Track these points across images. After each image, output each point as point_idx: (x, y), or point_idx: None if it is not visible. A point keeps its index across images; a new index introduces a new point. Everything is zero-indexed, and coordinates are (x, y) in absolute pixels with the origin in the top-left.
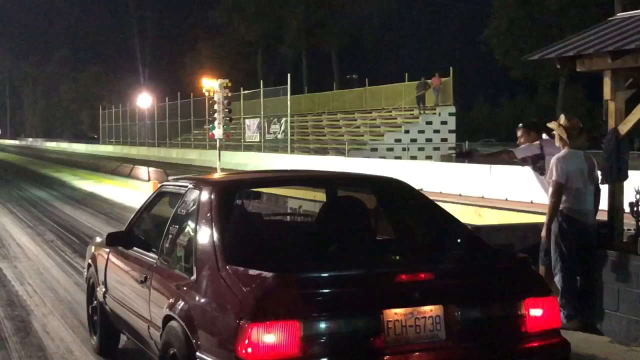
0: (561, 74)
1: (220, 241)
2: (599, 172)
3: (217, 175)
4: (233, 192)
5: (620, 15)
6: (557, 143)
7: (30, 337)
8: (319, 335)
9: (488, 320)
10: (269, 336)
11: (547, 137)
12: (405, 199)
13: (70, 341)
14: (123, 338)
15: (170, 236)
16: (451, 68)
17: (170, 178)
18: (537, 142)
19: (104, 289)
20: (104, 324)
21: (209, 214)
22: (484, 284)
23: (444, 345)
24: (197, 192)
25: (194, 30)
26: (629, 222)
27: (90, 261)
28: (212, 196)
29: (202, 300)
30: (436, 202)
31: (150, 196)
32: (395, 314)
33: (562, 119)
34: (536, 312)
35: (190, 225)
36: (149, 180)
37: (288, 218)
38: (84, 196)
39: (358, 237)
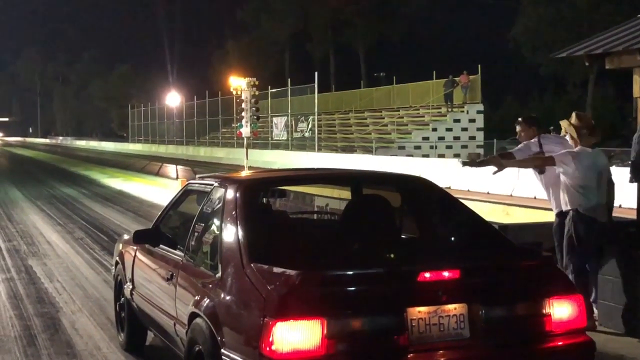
0: (590, 71)
1: (245, 239)
2: (612, 168)
3: (243, 173)
4: (258, 191)
5: None
6: (570, 141)
7: (59, 334)
8: (342, 333)
9: (512, 319)
10: (293, 334)
11: (546, 134)
12: (430, 197)
13: (98, 338)
14: (150, 335)
15: (196, 234)
16: (479, 66)
17: (197, 176)
18: (535, 139)
19: (131, 286)
20: (131, 321)
21: (234, 212)
22: (509, 282)
23: (467, 344)
24: (222, 190)
25: (222, 30)
26: None
27: (117, 258)
28: (237, 194)
29: (227, 297)
30: (463, 200)
31: (177, 194)
32: (419, 312)
33: (573, 117)
34: (561, 311)
35: (216, 223)
36: (177, 178)
37: (314, 216)
38: (112, 194)
39: (383, 235)
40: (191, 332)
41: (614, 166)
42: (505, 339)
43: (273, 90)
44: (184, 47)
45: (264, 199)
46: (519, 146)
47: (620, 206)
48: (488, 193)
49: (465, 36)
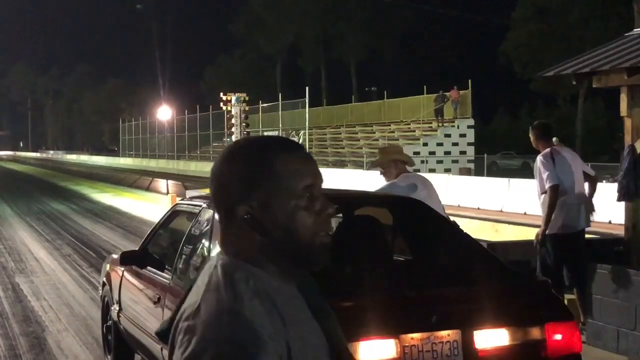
0: (581, 86)
1: None
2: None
3: None
4: None
5: (636, 31)
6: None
7: (44, 354)
8: None
9: (507, 345)
10: None
11: (557, 141)
12: (422, 218)
13: (83, 358)
14: (137, 358)
15: (184, 256)
16: (470, 81)
17: (186, 196)
18: (548, 150)
19: (118, 308)
20: (119, 344)
21: None
22: (504, 308)
23: None
24: (210, 212)
25: (214, 44)
26: None
27: (104, 279)
28: None
29: None
30: (453, 216)
31: (165, 215)
32: (412, 338)
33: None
34: (557, 337)
35: (204, 245)
36: (167, 193)
37: None
38: (102, 209)
39: (374, 257)
40: None
41: (603, 181)
42: None
43: (264, 104)
44: (176, 61)
45: None
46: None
47: (610, 222)
48: (478, 208)
49: (456, 51)
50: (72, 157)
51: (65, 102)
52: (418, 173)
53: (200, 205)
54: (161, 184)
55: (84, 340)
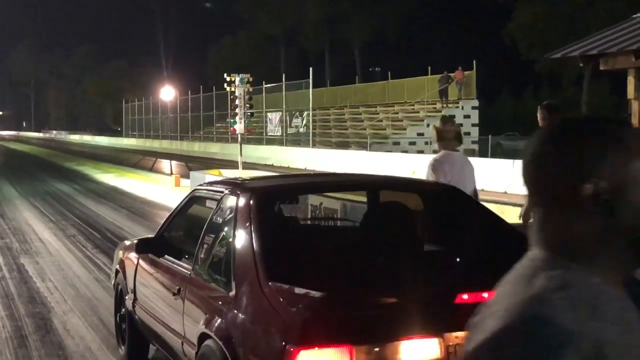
0: (587, 68)
1: (261, 255)
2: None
3: (254, 179)
4: (273, 200)
5: None
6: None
7: (51, 335)
8: None
9: None
10: None
11: None
12: (458, 207)
13: (89, 339)
14: (152, 348)
15: (205, 246)
16: (474, 61)
17: (205, 181)
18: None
19: (133, 298)
20: (133, 334)
21: (247, 224)
22: None
23: None
24: (234, 198)
25: (218, 24)
26: None
27: (118, 267)
28: (251, 204)
29: (243, 319)
30: None
31: (182, 201)
32: (456, 337)
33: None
34: None
35: (228, 235)
36: (171, 174)
37: (324, 223)
38: (106, 190)
39: (406, 248)
40: (202, 355)
41: None
42: None
43: (268, 85)
44: (179, 41)
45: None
46: None
47: None
48: (482, 190)
49: (461, 32)
50: (75, 138)
51: (68, 82)
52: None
53: (221, 192)
54: (165, 164)
55: (89, 322)
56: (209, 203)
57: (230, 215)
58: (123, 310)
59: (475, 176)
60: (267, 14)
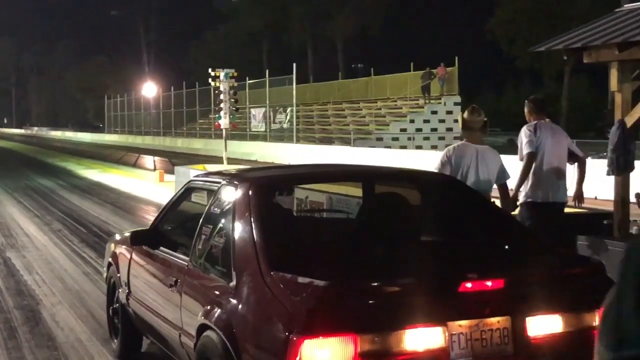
0: (566, 63)
1: (261, 244)
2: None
3: (250, 170)
4: (272, 190)
5: (627, 6)
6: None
7: (40, 327)
8: (377, 350)
9: (560, 333)
10: (322, 352)
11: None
12: (456, 196)
13: (79, 331)
14: (145, 342)
15: (203, 237)
16: (456, 58)
17: (202, 172)
18: (535, 122)
19: (127, 291)
20: (126, 327)
21: (247, 214)
22: (556, 292)
23: None
24: (232, 188)
25: (199, 20)
26: (634, 212)
27: (110, 260)
28: (250, 194)
29: (244, 309)
30: None
31: (178, 192)
32: (459, 326)
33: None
34: None
35: (226, 225)
36: (154, 169)
37: (318, 215)
38: (90, 185)
39: (405, 238)
40: (201, 345)
41: (589, 158)
42: (552, 355)
43: (251, 81)
44: (161, 37)
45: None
46: (524, 142)
47: (595, 198)
48: None
49: (443, 28)
50: (57, 134)
51: (50, 78)
52: (472, 145)
53: (219, 182)
54: (148, 160)
55: (78, 313)
56: (195, 197)
57: (229, 206)
58: (116, 304)
59: (506, 170)
60: (249, 9)
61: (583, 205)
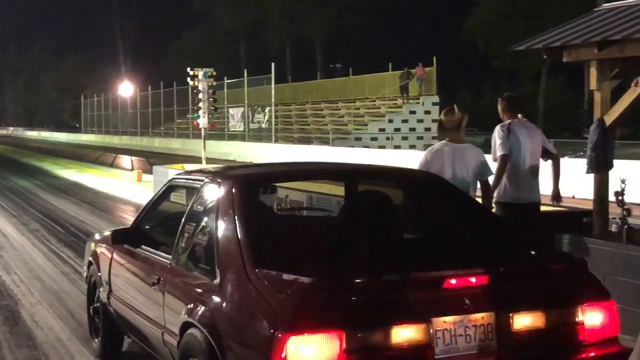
0: (543, 64)
1: (246, 242)
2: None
3: (232, 168)
4: (256, 187)
5: (605, 5)
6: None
7: (19, 327)
8: (363, 347)
9: (543, 328)
10: (308, 348)
11: (521, 118)
12: (438, 194)
13: (59, 330)
14: (127, 341)
15: (186, 235)
16: (435, 58)
17: (183, 170)
18: (508, 122)
19: (108, 290)
20: (107, 326)
21: (231, 211)
22: (539, 288)
23: (495, 356)
24: (215, 186)
25: (177, 19)
26: (613, 211)
27: (91, 259)
28: (234, 191)
29: (229, 307)
30: None
31: (159, 190)
32: (444, 322)
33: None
34: (594, 318)
35: (210, 223)
36: (132, 169)
37: (299, 213)
38: (67, 185)
39: (388, 235)
40: (185, 343)
41: (566, 157)
42: (536, 350)
43: (229, 80)
44: (138, 36)
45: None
46: (497, 143)
47: (573, 197)
48: None
49: (421, 28)
50: (33, 134)
51: (25, 78)
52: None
53: (201, 180)
54: (125, 160)
55: (57, 313)
56: (173, 197)
57: (212, 204)
58: (97, 303)
59: (488, 166)
60: (227, 8)
61: (561, 203)
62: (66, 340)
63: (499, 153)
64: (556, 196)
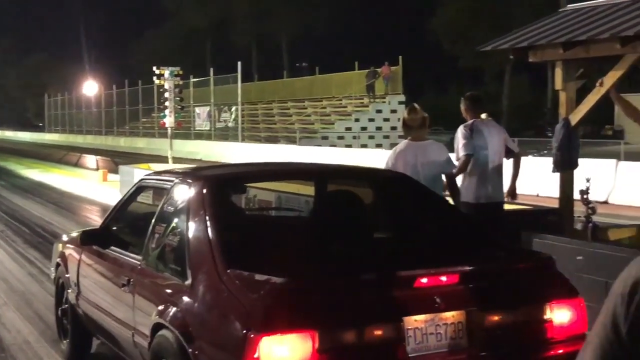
0: (507, 63)
1: (217, 242)
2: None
3: (203, 168)
4: (227, 188)
5: (571, 6)
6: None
7: None
8: (335, 346)
9: (512, 326)
10: (281, 348)
11: (486, 117)
12: (407, 193)
13: (26, 332)
14: (95, 342)
15: (156, 236)
16: (400, 57)
17: (152, 171)
18: (471, 121)
19: (76, 291)
20: (76, 328)
21: (202, 212)
22: (508, 286)
23: (466, 354)
24: (185, 187)
25: (142, 16)
26: (578, 209)
27: (59, 260)
28: (205, 192)
29: (201, 307)
30: None
31: (129, 191)
32: (415, 321)
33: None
34: (562, 316)
35: (180, 224)
36: (97, 169)
37: (270, 213)
38: (31, 185)
39: (359, 235)
40: (157, 344)
41: (529, 156)
42: (506, 348)
43: (195, 79)
44: (102, 34)
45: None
46: (460, 143)
47: (537, 195)
48: None
49: (386, 27)
50: None
51: None
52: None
53: (171, 181)
54: (90, 159)
55: (25, 315)
56: (140, 197)
57: (183, 204)
58: (65, 305)
59: (451, 161)
60: (193, 5)
61: (517, 201)
62: (34, 342)
63: (462, 153)
64: (512, 193)
